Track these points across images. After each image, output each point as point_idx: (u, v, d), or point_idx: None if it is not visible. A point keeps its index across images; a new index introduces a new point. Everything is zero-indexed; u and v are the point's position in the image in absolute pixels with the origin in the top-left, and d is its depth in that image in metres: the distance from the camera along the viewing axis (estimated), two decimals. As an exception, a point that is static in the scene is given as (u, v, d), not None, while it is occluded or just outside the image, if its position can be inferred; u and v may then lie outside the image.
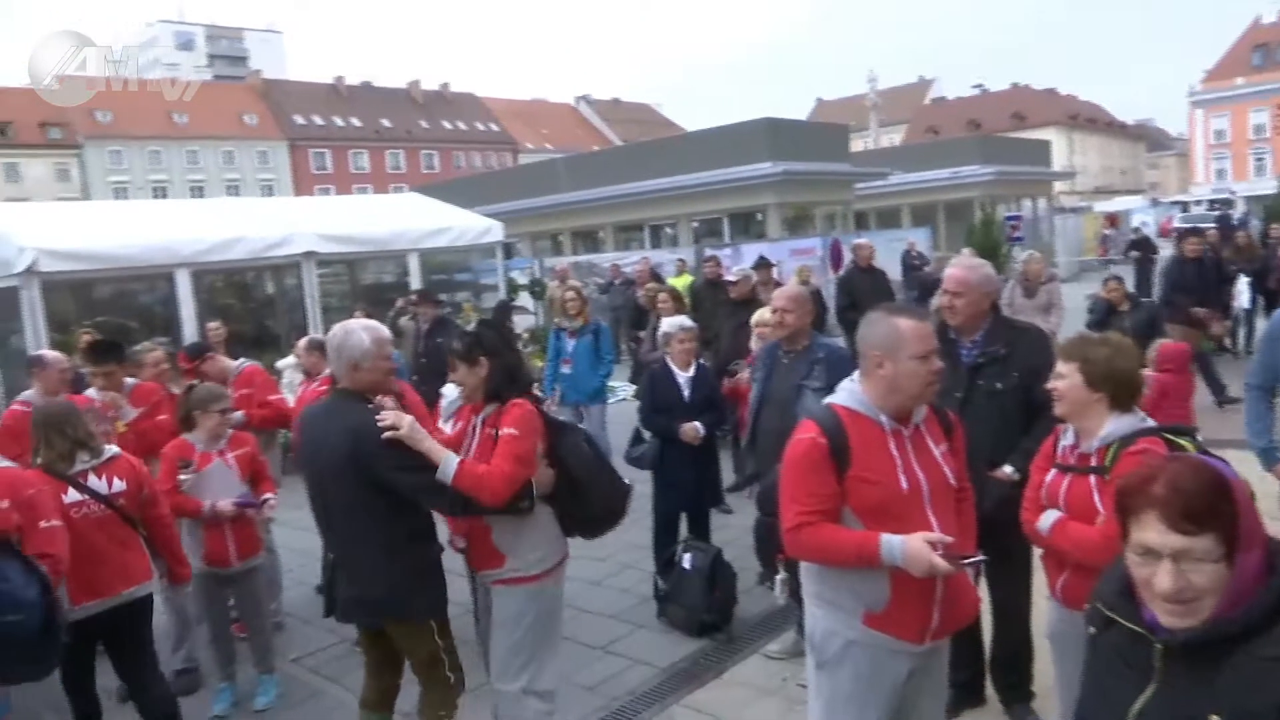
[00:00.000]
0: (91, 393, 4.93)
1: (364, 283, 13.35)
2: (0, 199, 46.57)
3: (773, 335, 4.81)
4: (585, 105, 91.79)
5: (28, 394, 5.08)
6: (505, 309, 11.71)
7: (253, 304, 12.49)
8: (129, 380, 4.98)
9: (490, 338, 3.42)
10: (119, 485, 3.79)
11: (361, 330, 3.31)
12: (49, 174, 60.61)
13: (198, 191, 61.57)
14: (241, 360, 5.78)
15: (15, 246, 8.88)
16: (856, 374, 2.68)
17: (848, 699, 2.66)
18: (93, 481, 3.75)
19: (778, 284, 8.51)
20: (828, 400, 2.70)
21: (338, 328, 3.39)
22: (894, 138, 68.81)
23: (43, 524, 3.27)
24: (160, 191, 60.99)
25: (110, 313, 10.68)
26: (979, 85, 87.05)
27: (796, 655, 4.46)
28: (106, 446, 3.91)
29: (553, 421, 3.50)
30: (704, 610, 5.13)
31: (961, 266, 3.77)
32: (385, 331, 3.40)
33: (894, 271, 16.19)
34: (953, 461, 2.68)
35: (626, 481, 3.65)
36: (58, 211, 12.85)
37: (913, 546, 2.40)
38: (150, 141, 64.46)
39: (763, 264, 10.07)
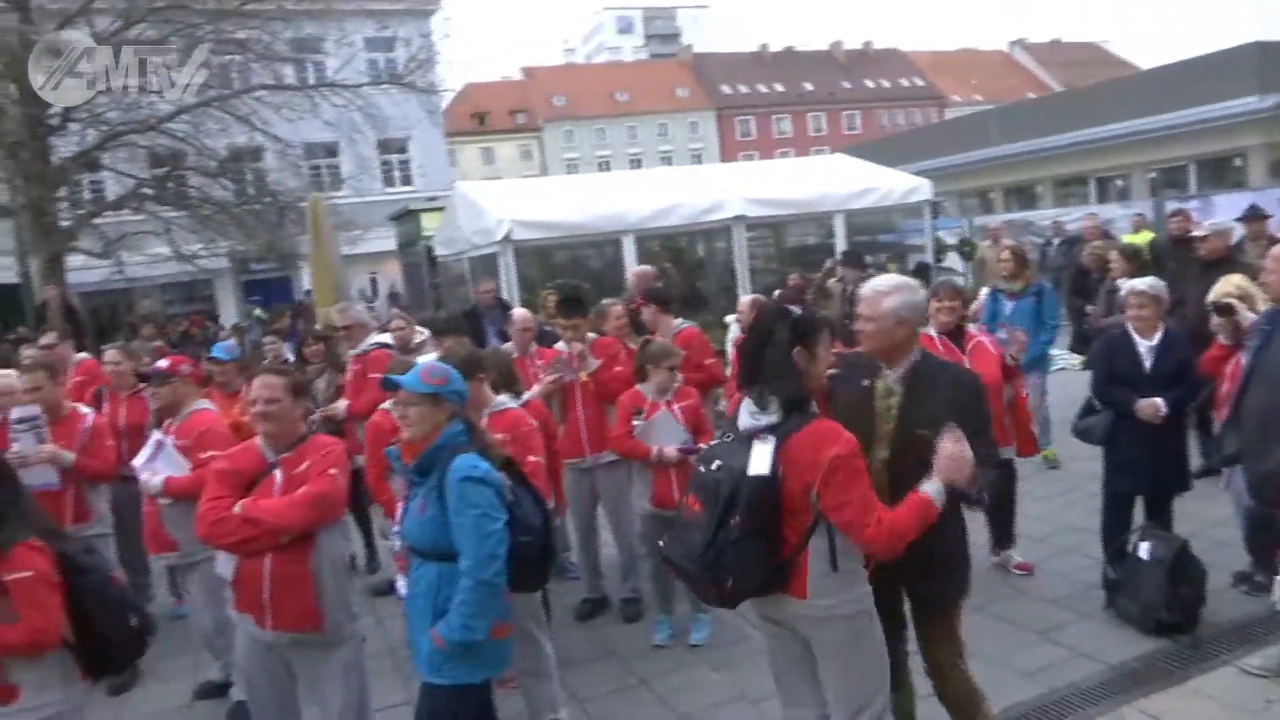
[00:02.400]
0: (560, 345, 5.56)
1: (788, 245, 13.61)
2: (478, 179, 54.29)
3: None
4: (1020, 50, 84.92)
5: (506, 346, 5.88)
6: (925, 271, 11.28)
7: (685, 266, 13.29)
8: (591, 335, 5.53)
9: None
10: None
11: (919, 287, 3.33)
12: (515, 155, 69.34)
13: (636, 163, 66.79)
14: (679, 321, 6.12)
15: (494, 219, 10.28)
16: None
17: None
18: None
19: (1273, 240, 7.20)
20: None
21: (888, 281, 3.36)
22: None
23: (530, 459, 3.73)
24: (604, 165, 67.06)
25: (567, 275, 11.98)
26: None
27: (1285, 675, 3.80)
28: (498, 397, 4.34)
29: None
30: (1163, 607, 4.56)
31: None
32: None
33: None
34: None
35: None
36: (525, 187, 14.63)
37: None
38: (597, 120, 71.09)
39: (1255, 215, 8.44)
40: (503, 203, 10.88)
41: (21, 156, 14.59)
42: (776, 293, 9.43)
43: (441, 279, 14.28)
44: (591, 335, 5.54)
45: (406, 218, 17.74)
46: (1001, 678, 4.20)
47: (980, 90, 74.32)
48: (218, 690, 5.03)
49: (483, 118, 68.23)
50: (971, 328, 5.54)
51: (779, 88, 75.37)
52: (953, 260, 13.43)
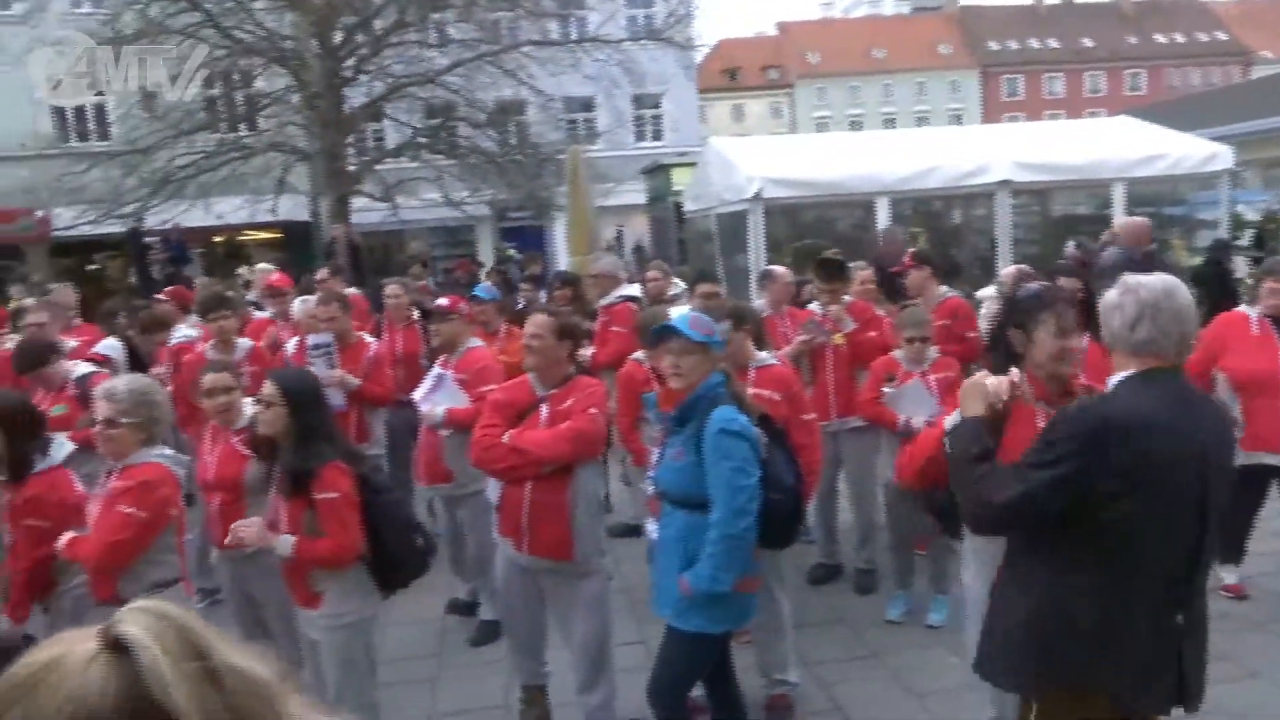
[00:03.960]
0: (814, 306, 5.46)
1: (1054, 214, 12.64)
2: (727, 135, 54.25)
3: None
4: (1350, 0, 73.89)
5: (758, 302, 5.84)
6: (1224, 248, 10.12)
7: (939, 232, 12.67)
8: (845, 297, 5.40)
9: None
10: None
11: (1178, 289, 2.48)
12: (765, 112, 68.64)
13: (889, 123, 64.31)
14: (944, 289, 5.83)
15: (745, 176, 10.21)
16: None
17: None
18: None
19: None
20: None
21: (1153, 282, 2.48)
22: None
23: (805, 416, 3.71)
24: (856, 124, 65.07)
25: (814, 236, 11.76)
26: None
27: None
28: None
29: None
30: None
31: None
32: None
33: None
34: None
35: None
36: (777, 145, 14.44)
37: None
38: (851, 78, 68.92)
39: None
40: (754, 159, 10.78)
41: (319, 106, 16.10)
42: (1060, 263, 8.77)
43: (688, 234, 14.43)
44: (848, 298, 5.40)
45: (657, 172, 18.03)
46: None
47: (1296, 46, 65.37)
48: (466, 609, 5.41)
49: (734, 74, 67.94)
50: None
51: (1053, 44, 69.75)
52: (1249, 239, 11.95)
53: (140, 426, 3.39)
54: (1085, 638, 2.38)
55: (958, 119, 64.41)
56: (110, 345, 6.51)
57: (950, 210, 12.50)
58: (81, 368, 5.13)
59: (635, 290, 6.64)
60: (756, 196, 9.94)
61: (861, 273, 5.69)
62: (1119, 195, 10.59)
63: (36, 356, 5.06)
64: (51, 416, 4.72)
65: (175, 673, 0.78)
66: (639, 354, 4.82)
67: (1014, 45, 69.98)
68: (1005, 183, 10.34)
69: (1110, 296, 2.46)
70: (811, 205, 11.21)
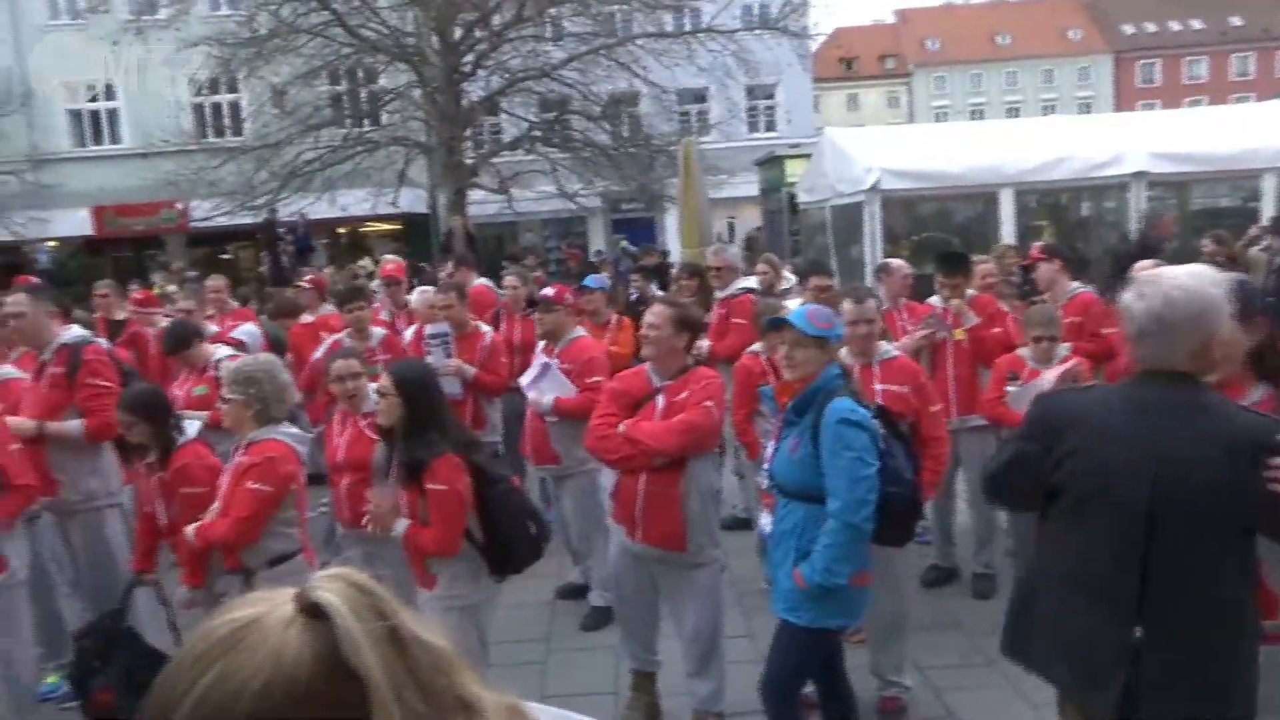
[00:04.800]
0: (934, 300, 5.32)
1: (1193, 208, 11.98)
2: (841, 126, 53.33)
3: None
4: None
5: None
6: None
7: (1066, 226, 12.16)
8: (970, 291, 5.24)
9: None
10: None
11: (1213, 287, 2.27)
12: (881, 102, 67.12)
13: (1013, 112, 62.01)
14: (1075, 285, 5.57)
15: (862, 167, 10.02)
16: None
17: None
18: None
19: None
20: None
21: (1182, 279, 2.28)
22: None
23: (931, 409, 3.64)
24: (977, 114, 62.97)
25: (932, 229, 11.47)
26: None
27: None
28: None
29: None
30: None
31: None
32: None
33: None
34: None
35: None
36: (895, 134, 14.12)
37: None
38: (972, 65, 66.74)
39: None
40: (872, 150, 10.56)
41: (439, 100, 16.54)
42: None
43: (802, 226, 14.26)
44: (971, 292, 5.24)
45: (771, 163, 17.86)
46: None
47: None
48: (577, 592, 5.48)
49: (850, 63, 66.66)
50: None
51: (1196, 24, 65.86)
52: None
53: (248, 403, 3.60)
54: (1043, 628, 2.45)
55: (1087, 107, 61.58)
56: (247, 330, 6.85)
57: (1078, 203, 11.98)
58: (222, 351, 5.40)
59: (754, 282, 6.58)
60: (874, 188, 9.76)
61: (981, 266, 5.50)
62: (1270, 187, 9.94)
63: (182, 339, 5.38)
64: (193, 396, 5.01)
65: (368, 640, 0.81)
66: (756, 346, 4.79)
67: (1151, 28, 66.43)
68: (1141, 174, 9.85)
69: (1125, 296, 2.34)
70: (930, 197, 10.94)
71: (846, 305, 4.24)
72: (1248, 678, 2.27)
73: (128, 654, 3.97)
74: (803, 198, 13.39)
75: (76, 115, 23.07)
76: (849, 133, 13.24)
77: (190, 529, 3.60)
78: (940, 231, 11.36)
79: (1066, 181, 10.29)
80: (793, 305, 4.09)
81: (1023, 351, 4.62)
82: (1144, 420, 2.26)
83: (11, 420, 4.23)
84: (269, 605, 0.84)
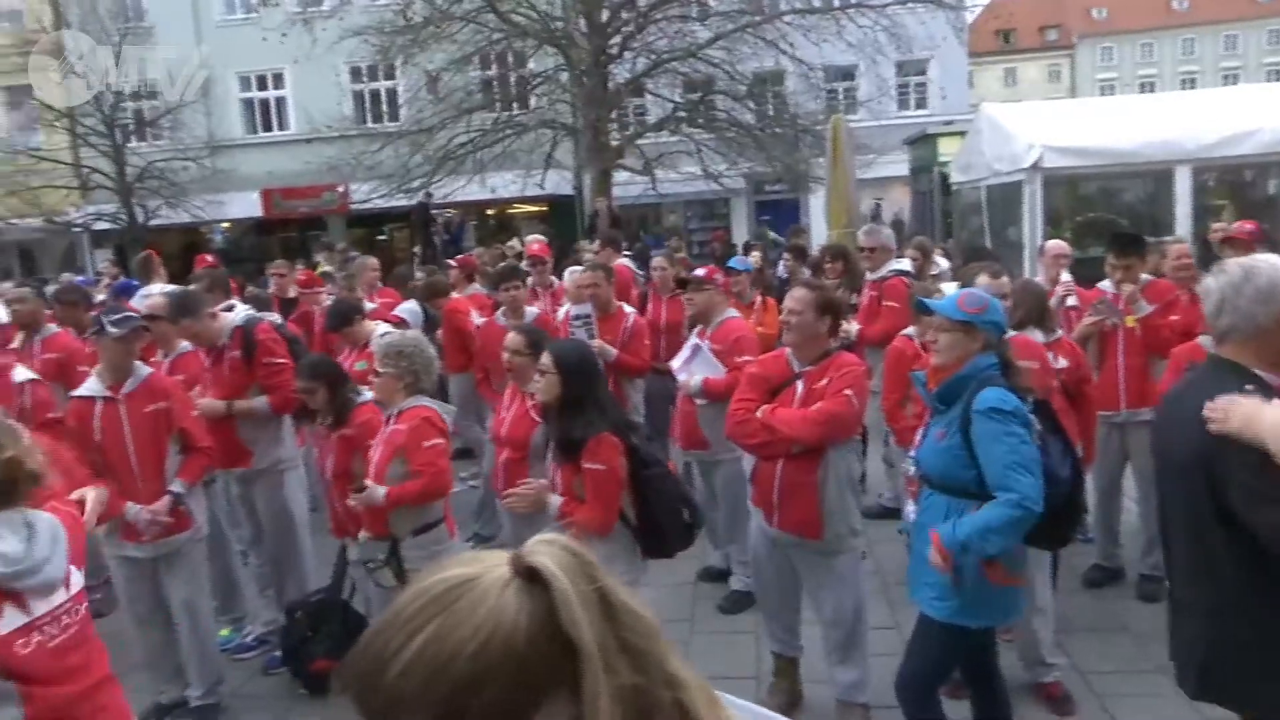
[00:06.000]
0: (1105, 285, 5.00)
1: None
2: (996, 102, 50.97)
3: None
4: None
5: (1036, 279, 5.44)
6: None
7: (1250, 205, 11.24)
8: (1144, 276, 4.91)
9: None
10: None
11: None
12: (1040, 75, 63.81)
13: (1188, 84, 57.78)
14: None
15: (1023, 143, 9.53)
16: None
17: None
18: None
19: None
20: None
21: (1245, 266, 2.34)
22: None
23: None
24: (1147, 86, 59.02)
25: (1098, 209, 10.81)
26: None
27: None
28: None
29: None
30: None
31: None
32: None
33: None
34: None
35: None
36: (1059, 109, 13.36)
37: None
38: (1143, 34, 62.53)
39: None
40: (1033, 126, 10.04)
41: (585, 83, 16.73)
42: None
43: (954, 207, 13.73)
44: (1146, 276, 4.90)
45: (922, 142, 17.28)
46: None
47: None
48: (718, 575, 5.47)
49: (1008, 36, 63.58)
50: None
51: None
52: None
53: (400, 376, 3.82)
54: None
55: (1278, 75, 56.71)
56: (408, 309, 7.13)
57: (1265, 180, 11.05)
58: (381, 328, 5.63)
59: (907, 264, 6.37)
60: (1035, 166, 9.28)
61: (1174, 247, 5.12)
62: None
63: (345, 316, 5.66)
64: (354, 370, 5.25)
65: (582, 605, 0.81)
66: (909, 330, 4.63)
67: (1353, -13, 60.53)
68: (1340, 147, 8.99)
69: (1205, 280, 2.40)
70: (1096, 175, 10.31)
71: (981, 279, 4.05)
72: None
73: (337, 625, 4.31)
74: (956, 177, 12.89)
75: (248, 104, 24.53)
76: (1008, 108, 12.62)
77: (378, 493, 3.71)
78: (1107, 212, 10.70)
79: (1252, 157, 9.49)
80: (949, 290, 3.92)
81: (1204, 340, 4.27)
82: (1192, 407, 2.26)
83: (202, 402, 4.64)
84: (483, 566, 0.84)
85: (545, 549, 0.84)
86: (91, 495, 3.08)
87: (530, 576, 0.82)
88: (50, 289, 8.44)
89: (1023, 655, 4.03)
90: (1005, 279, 4.19)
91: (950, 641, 3.14)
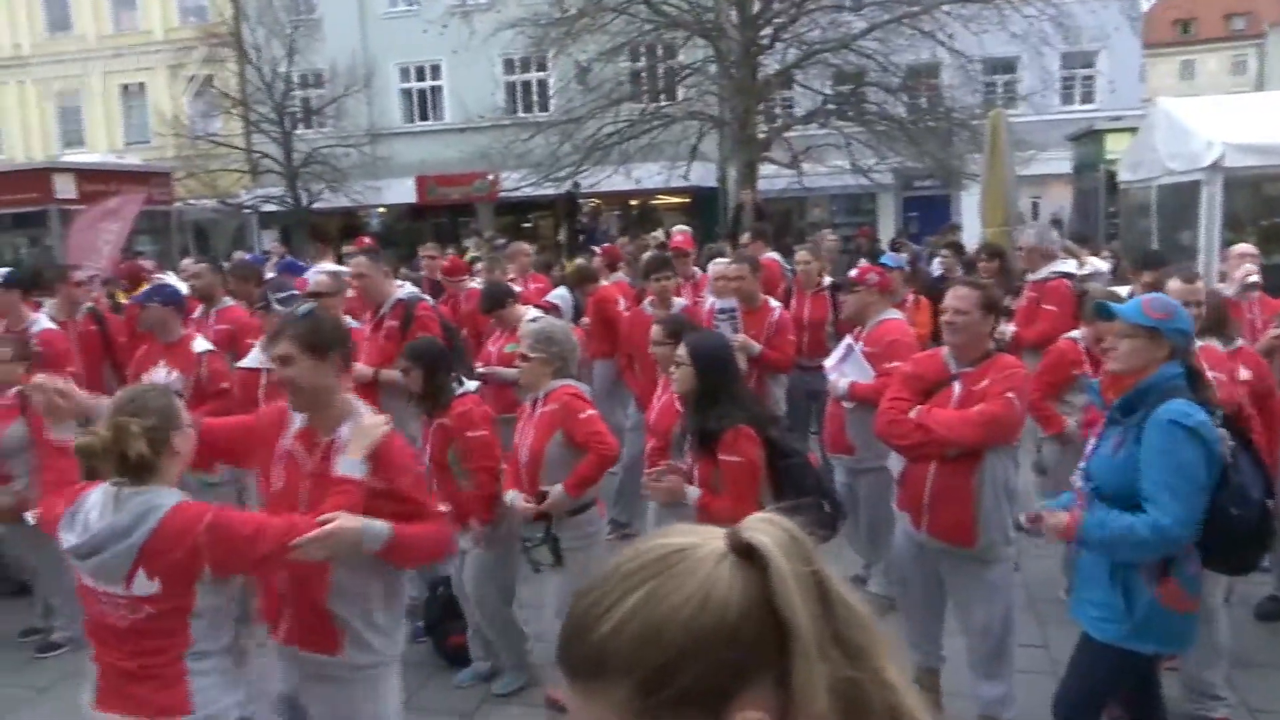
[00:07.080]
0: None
1: None
2: (1172, 96, 47.91)
3: None
4: None
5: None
6: None
7: None
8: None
9: None
10: None
11: None
12: (1222, 68, 59.50)
13: (1392, 78, 52.83)
14: None
15: (1203, 140, 8.89)
16: None
17: None
18: None
19: None
20: None
21: None
22: None
23: None
24: (1344, 81, 54.26)
25: (1281, 212, 10.05)
26: None
27: None
28: None
29: None
30: None
31: None
32: None
33: None
34: None
35: None
36: (1243, 103, 12.38)
37: None
38: (1342, 24, 57.50)
39: None
40: (1214, 121, 9.35)
41: (734, 74, 16.63)
42: None
43: (1121, 207, 12.98)
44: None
45: (1088, 138, 16.38)
46: None
47: None
48: (855, 581, 5.35)
49: (1187, 25, 59.66)
50: None
51: None
52: None
53: (547, 361, 3.96)
54: None
55: None
56: (560, 295, 7.29)
57: None
58: (532, 313, 5.76)
59: (1071, 266, 6.06)
60: (1215, 165, 8.65)
61: None
62: None
63: (498, 300, 5.83)
64: (505, 352, 5.39)
65: (797, 587, 0.79)
66: (1076, 333, 4.40)
67: None
68: None
69: None
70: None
71: (1173, 284, 3.80)
72: None
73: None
74: (1124, 175, 12.16)
75: (407, 93, 25.56)
76: (1187, 102, 11.80)
77: (559, 494, 3.84)
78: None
79: None
80: (1124, 293, 3.71)
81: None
82: None
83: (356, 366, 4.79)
84: (700, 538, 0.83)
85: (764, 527, 0.82)
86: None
87: (746, 553, 0.80)
88: (226, 265, 9.01)
89: (1187, 685, 3.79)
90: (1200, 284, 3.90)
91: (1118, 664, 2.98)
